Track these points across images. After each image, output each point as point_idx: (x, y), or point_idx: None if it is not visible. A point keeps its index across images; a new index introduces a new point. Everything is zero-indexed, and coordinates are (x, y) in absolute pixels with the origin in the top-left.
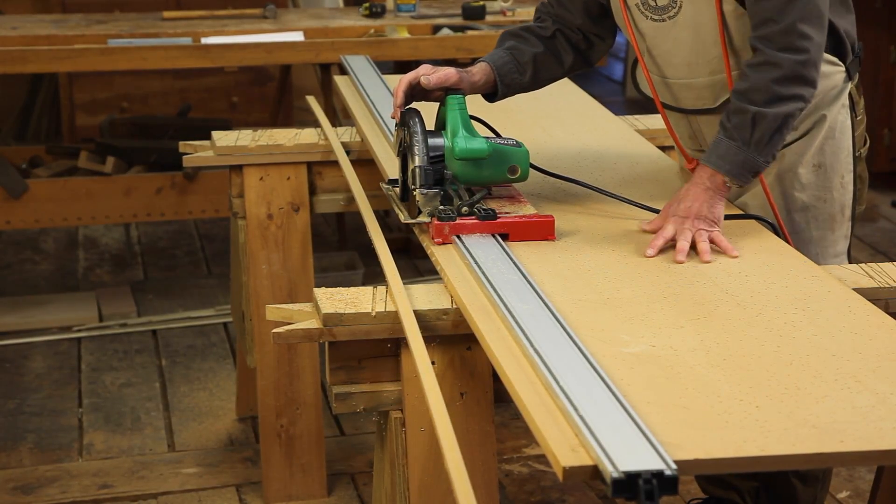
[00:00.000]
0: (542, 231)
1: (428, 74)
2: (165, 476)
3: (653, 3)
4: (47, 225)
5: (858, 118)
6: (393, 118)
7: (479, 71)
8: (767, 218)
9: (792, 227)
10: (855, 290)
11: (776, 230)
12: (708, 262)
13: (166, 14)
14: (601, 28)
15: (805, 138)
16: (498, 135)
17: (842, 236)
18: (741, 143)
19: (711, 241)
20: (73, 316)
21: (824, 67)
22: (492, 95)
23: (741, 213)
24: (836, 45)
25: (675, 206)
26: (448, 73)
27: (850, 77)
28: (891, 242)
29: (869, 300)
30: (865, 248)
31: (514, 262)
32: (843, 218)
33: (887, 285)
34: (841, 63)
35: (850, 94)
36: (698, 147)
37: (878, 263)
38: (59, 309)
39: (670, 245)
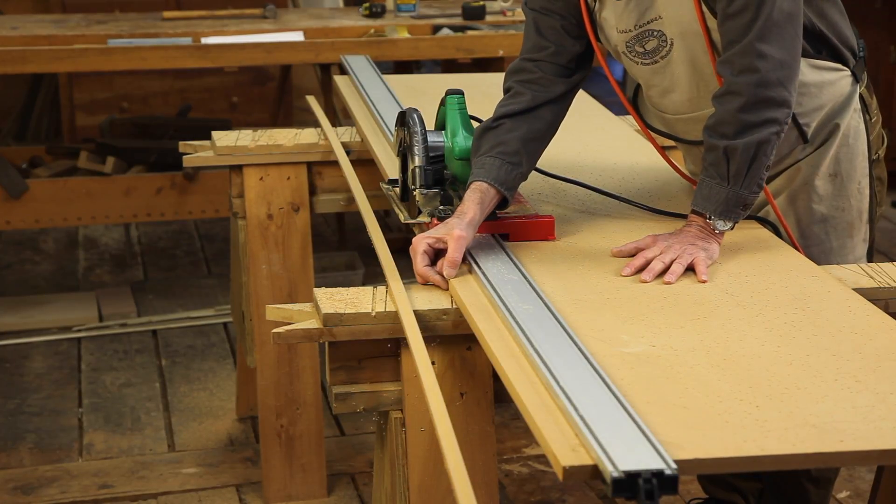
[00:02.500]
0: (542, 231)
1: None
2: (165, 476)
3: (640, 49)
4: (47, 225)
5: (873, 120)
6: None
7: (473, 202)
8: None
9: (811, 239)
10: (855, 290)
11: (777, 231)
12: (669, 283)
13: (166, 14)
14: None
15: (820, 149)
16: None
17: (860, 241)
18: (720, 179)
19: (691, 265)
20: (73, 316)
21: (830, 75)
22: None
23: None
24: (833, 52)
25: (667, 236)
26: (459, 244)
27: (857, 79)
28: (891, 242)
29: (869, 300)
30: None
31: (514, 262)
32: (860, 223)
33: (887, 285)
34: (845, 67)
35: (861, 97)
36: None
37: (878, 263)
38: (59, 309)
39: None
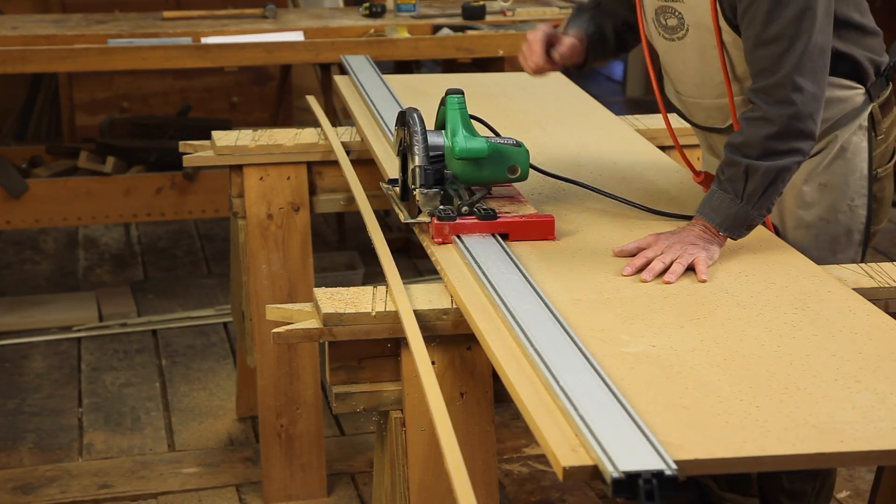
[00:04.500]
0: (542, 231)
1: (557, 45)
2: (165, 476)
3: (664, 22)
4: (47, 225)
5: (879, 137)
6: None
7: (574, 39)
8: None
9: (792, 244)
10: (855, 290)
11: (776, 230)
12: (669, 283)
13: (166, 14)
14: (630, 32)
15: (814, 157)
16: (498, 134)
17: (846, 259)
18: (734, 195)
19: (691, 265)
20: (73, 316)
21: (841, 92)
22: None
23: None
24: (852, 69)
25: (669, 235)
26: (573, 47)
27: (872, 98)
28: (891, 242)
29: (869, 300)
30: None
31: (514, 262)
32: (848, 241)
33: (887, 285)
34: (860, 86)
35: (871, 115)
36: (716, 157)
37: (878, 263)
38: (59, 309)
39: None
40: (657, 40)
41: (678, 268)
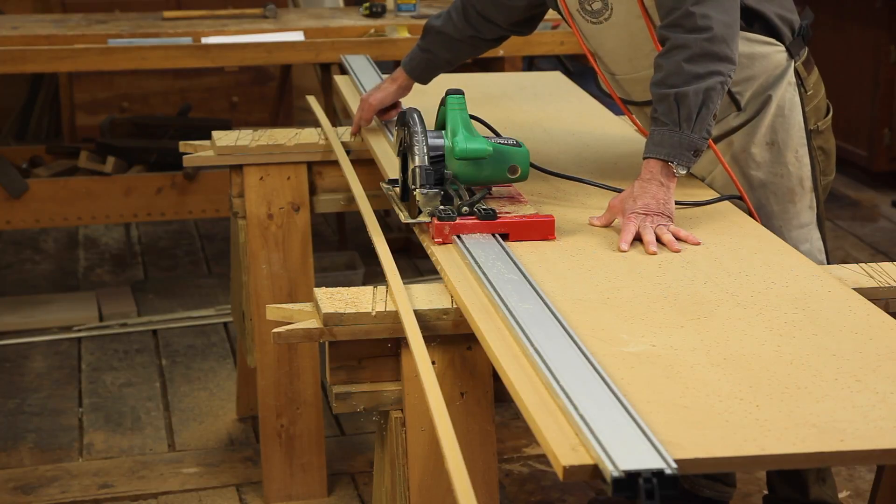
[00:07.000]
0: (542, 231)
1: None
2: (165, 476)
3: (589, 8)
4: (47, 225)
5: (809, 93)
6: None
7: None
8: (733, 194)
9: (753, 203)
10: (855, 289)
11: (749, 210)
12: (677, 252)
13: (166, 14)
14: (523, 28)
15: (755, 120)
16: (498, 135)
17: (805, 207)
18: (672, 125)
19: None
20: (73, 316)
21: (762, 48)
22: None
23: (718, 196)
24: (766, 27)
25: (631, 203)
26: (387, 95)
27: (792, 55)
28: (891, 242)
29: (869, 300)
30: (865, 248)
31: (514, 262)
32: (803, 190)
33: (887, 285)
34: (778, 43)
35: (796, 72)
36: None
37: (878, 263)
38: (59, 309)
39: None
40: (585, 28)
41: (669, 237)
